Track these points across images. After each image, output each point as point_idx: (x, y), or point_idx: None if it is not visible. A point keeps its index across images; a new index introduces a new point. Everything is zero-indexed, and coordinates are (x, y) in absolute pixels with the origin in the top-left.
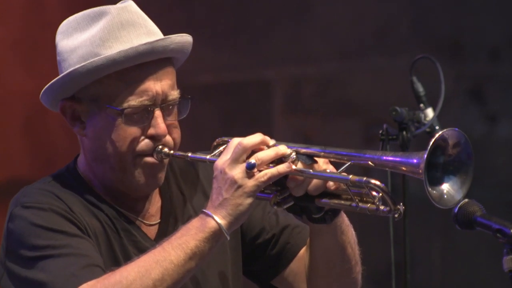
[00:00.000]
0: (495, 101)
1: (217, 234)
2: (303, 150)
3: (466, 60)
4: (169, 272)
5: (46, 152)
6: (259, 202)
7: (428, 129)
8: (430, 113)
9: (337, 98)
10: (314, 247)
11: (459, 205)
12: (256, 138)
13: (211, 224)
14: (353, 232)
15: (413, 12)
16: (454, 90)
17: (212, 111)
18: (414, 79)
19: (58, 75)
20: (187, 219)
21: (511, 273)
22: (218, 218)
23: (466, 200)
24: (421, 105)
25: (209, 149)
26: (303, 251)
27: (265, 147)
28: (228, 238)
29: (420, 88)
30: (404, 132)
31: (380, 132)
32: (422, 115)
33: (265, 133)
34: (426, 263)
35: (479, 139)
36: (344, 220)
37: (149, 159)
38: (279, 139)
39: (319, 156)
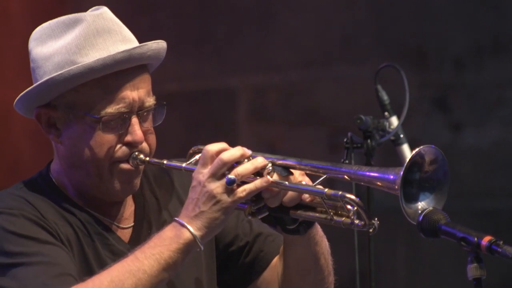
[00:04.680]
0: (459, 109)
1: (191, 245)
2: (279, 162)
3: (431, 69)
4: (142, 282)
5: (10, 159)
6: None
7: (392, 137)
8: (394, 121)
9: (302, 106)
10: (287, 257)
11: (423, 213)
12: (236, 152)
13: (186, 235)
14: (327, 243)
15: (378, 21)
16: (419, 99)
17: (177, 120)
18: (379, 87)
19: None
20: (162, 223)
21: (475, 281)
22: (193, 230)
23: (431, 208)
24: (386, 113)
25: (174, 157)
26: (276, 259)
27: (245, 160)
28: (202, 248)
29: (384, 97)
30: (369, 140)
31: (345, 140)
32: (387, 123)
33: (230, 142)
34: (391, 272)
35: (444, 147)
36: (318, 231)
37: (125, 165)
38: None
39: (295, 168)
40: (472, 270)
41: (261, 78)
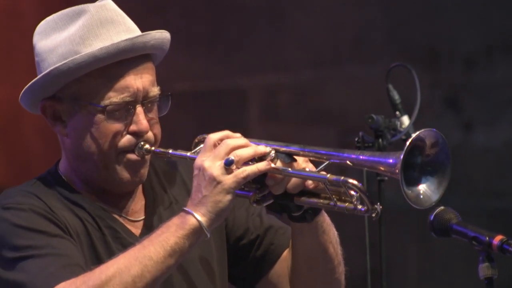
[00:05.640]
0: (471, 109)
1: (197, 231)
2: (283, 149)
3: (442, 68)
4: (148, 268)
5: (21, 158)
6: (242, 204)
7: (404, 137)
8: (406, 120)
9: (313, 106)
10: (295, 246)
11: (435, 213)
12: (240, 140)
13: (191, 221)
14: (335, 232)
15: (389, 20)
16: (430, 98)
17: (188, 119)
18: (390, 86)
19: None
20: (172, 216)
21: (487, 280)
22: (198, 215)
23: (442, 207)
24: (397, 112)
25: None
26: (286, 252)
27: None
28: (208, 235)
29: (396, 96)
30: (380, 140)
31: (356, 139)
32: (398, 123)
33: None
34: (402, 271)
35: (455, 147)
36: (325, 219)
37: (131, 155)
38: None
39: (298, 155)
40: (484, 270)
41: (272, 77)
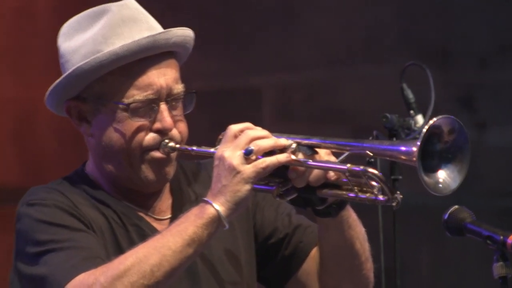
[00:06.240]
0: (485, 108)
1: (215, 221)
2: (304, 141)
3: (455, 67)
4: (167, 258)
5: (35, 158)
6: (272, 203)
7: (418, 136)
8: (420, 119)
9: (326, 105)
10: (322, 242)
11: (449, 212)
12: (261, 131)
13: (209, 210)
14: (362, 228)
15: (402, 19)
16: (444, 97)
17: (201, 119)
18: (404, 85)
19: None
20: None
21: (501, 279)
22: (216, 205)
23: (456, 206)
24: (411, 111)
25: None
26: (315, 250)
27: None
28: (227, 225)
29: (410, 95)
30: (394, 139)
31: (370, 138)
32: (412, 122)
33: None
34: (416, 270)
35: None
36: (351, 214)
37: (156, 153)
38: None
39: (319, 147)
40: (498, 269)
41: (286, 77)
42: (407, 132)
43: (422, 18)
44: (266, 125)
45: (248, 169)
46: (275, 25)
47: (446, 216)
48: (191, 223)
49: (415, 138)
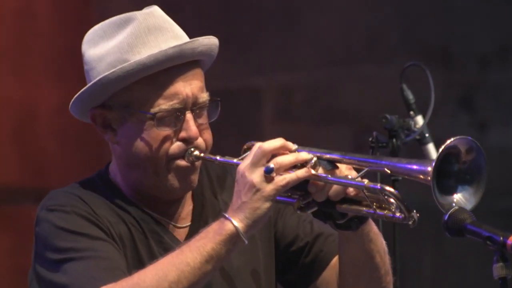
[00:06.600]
0: (485, 108)
1: (234, 237)
2: (326, 156)
3: (456, 68)
4: (185, 274)
5: (36, 158)
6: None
7: (418, 137)
8: (420, 120)
9: (327, 106)
10: (342, 254)
11: (449, 213)
12: (276, 142)
13: (228, 226)
14: (383, 241)
15: (403, 20)
16: (444, 98)
17: None
18: (404, 86)
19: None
20: None
21: (501, 280)
22: (235, 221)
23: (456, 207)
24: (411, 112)
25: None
26: (335, 259)
27: (287, 152)
28: (246, 241)
29: (410, 96)
30: (394, 140)
31: (370, 139)
32: (412, 123)
33: (255, 141)
34: (416, 271)
35: None
36: (372, 228)
37: (181, 162)
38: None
39: (341, 162)
40: (498, 270)
41: (286, 77)
42: (407, 133)
43: (423, 18)
44: (266, 126)
45: (268, 187)
46: (276, 26)
47: (446, 217)
48: (210, 240)
49: (431, 160)
